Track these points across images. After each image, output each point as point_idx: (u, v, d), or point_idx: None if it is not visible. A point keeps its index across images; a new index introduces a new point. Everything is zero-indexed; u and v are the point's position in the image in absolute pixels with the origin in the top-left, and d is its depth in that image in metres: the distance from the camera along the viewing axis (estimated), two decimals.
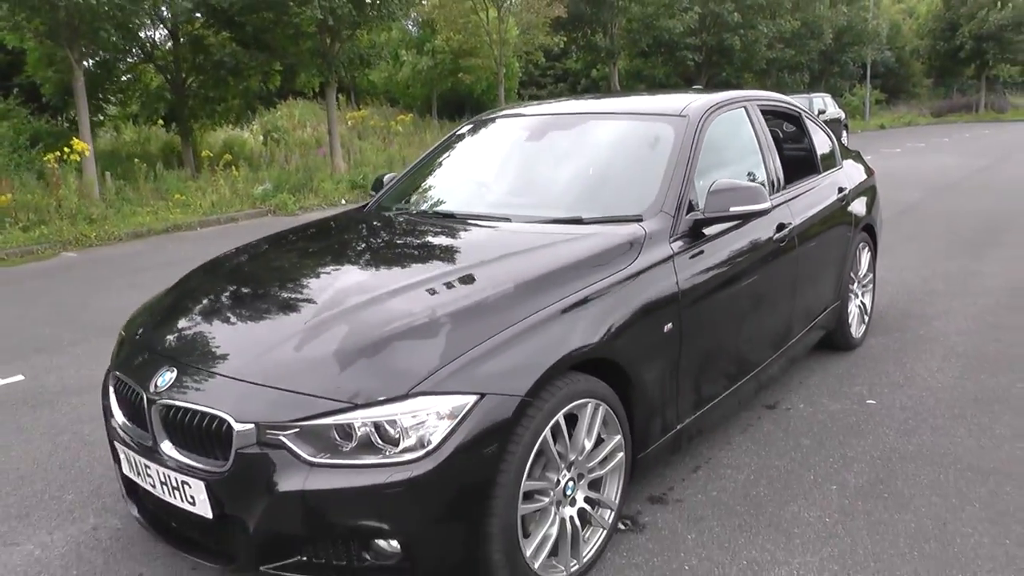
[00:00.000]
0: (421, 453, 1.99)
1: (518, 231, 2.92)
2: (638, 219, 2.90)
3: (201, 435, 2.17)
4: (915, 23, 44.22)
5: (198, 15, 14.20)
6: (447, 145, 4.03)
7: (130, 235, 10.27)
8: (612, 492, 2.55)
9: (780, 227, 3.51)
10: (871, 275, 4.80)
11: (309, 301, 2.45)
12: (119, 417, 2.52)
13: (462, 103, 31.01)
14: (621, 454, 2.54)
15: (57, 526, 3.01)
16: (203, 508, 2.17)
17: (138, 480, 2.42)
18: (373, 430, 2.01)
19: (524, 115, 3.89)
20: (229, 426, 2.08)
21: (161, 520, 2.51)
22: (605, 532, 2.53)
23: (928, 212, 9.67)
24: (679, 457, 3.24)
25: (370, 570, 2.08)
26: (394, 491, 1.96)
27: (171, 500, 2.27)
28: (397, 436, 2.00)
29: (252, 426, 2.06)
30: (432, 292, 2.37)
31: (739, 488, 3.04)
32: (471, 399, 2.04)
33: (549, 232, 2.85)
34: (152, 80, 17.29)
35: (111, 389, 2.58)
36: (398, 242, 3.12)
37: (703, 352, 2.95)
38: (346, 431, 2.03)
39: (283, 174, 13.88)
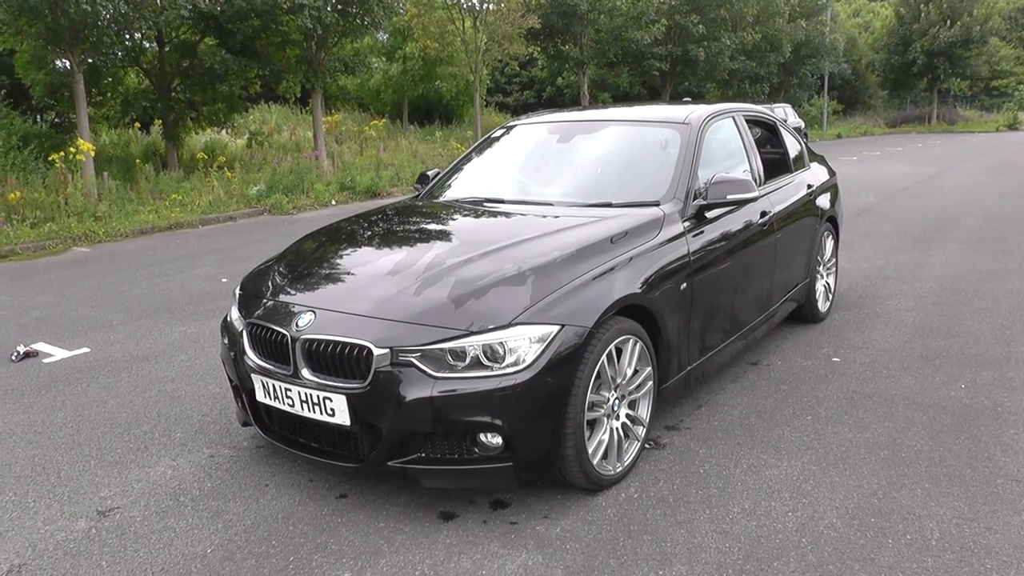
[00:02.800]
0: (521, 367, 2.70)
1: (564, 212, 3.65)
2: (656, 204, 3.65)
3: (340, 361, 2.84)
4: (870, 37, 46.09)
5: (188, 21, 14.66)
6: (482, 147, 4.75)
7: (135, 232, 10.76)
8: (644, 412, 3.28)
9: (763, 214, 4.29)
10: (834, 259, 5.64)
11: (413, 262, 3.15)
12: (253, 356, 3.17)
13: (431, 109, 31.72)
14: (650, 383, 3.28)
15: (178, 454, 3.64)
16: (342, 418, 2.84)
17: (274, 403, 3.07)
18: (481, 352, 2.71)
19: (551, 122, 4.62)
20: (369, 351, 2.76)
21: (286, 437, 3.18)
22: (639, 444, 3.26)
23: (882, 213, 10.63)
24: (685, 398, 4.00)
25: (477, 460, 2.78)
26: (502, 394, 2.67)
27: (309, 415, 2.93)
28: (503, 355, 2.70)
29: (388, 350, 2.74)
30: (513, 255, 3.09)
31: (735, 419, 3.81)
32: (555, 328, 2.77)
33: (589, 213, 3.59)
34: (134, 83, 17.68)
35: (245, 335, 3.23)
36: (466, 221, 3.84)
37: (707, 309, 3.71)
38: (459, 353, 2.72)
39: (275, 176, 14.41)
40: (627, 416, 3.18)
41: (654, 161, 3.98)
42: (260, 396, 3.14)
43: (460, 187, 4.38)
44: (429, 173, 4.76)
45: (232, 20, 14.84)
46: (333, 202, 14.13)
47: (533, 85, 43.69)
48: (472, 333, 2.72)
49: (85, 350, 5.35)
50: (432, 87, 29.50)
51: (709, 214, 3.79)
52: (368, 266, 3.28)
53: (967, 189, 13.22)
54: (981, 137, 32.46)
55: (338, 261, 3.44)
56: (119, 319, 6.13)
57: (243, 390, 3.28)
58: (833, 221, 5.53)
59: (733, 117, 4.53)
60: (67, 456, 3.67)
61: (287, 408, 3.02)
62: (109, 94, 17.08)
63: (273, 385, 3.04)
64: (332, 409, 2.85)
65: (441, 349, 2.72)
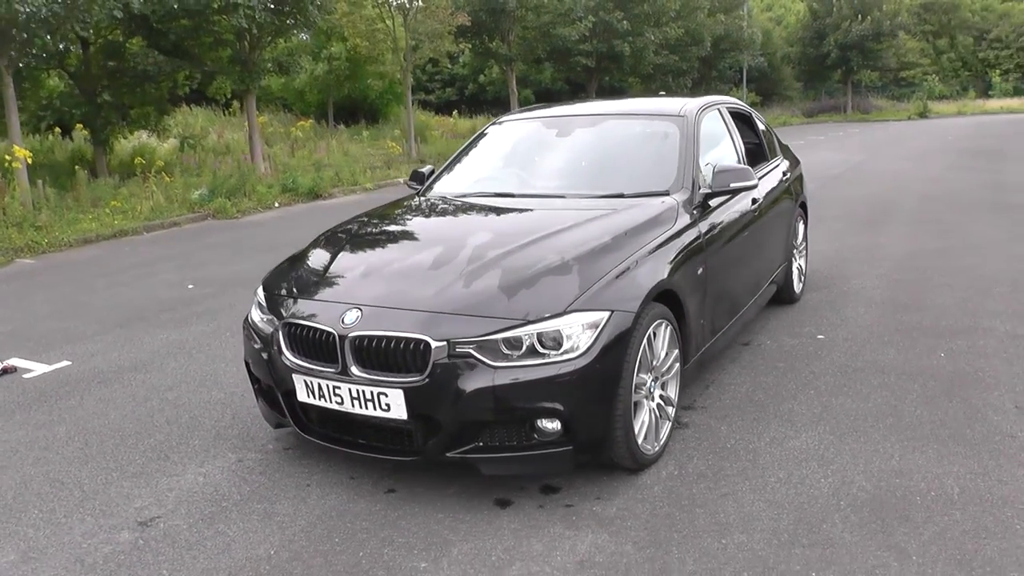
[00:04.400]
0: (578, 353, 2.80)
1: (577, 204, 3.77)
2: (665, 193, 3.80)
3: (394, 356, 2.87)
4: (784, 31, 47.83)
5: (119, 22, 14.12)
6: (476, 144, 4.82)
7: (79, 241, 10.33)
8: (673, 392, 3.43)
9: (754, 200, 4.50)
10: (805, 242, 5.94)
11: (453, 256, 3.21)
12: (291, 356, 3.16)
13: (356, 109, 31.39)
14: (678, 364, 3.44)
15: (204, 461, 3.60)
16: (398, 412, 2.88)
17: (319, 402, 3.08)
18: (536, 340, 2.80)
19: (544, 117, 4.74)
20: (427, 344, 2.81)
21: (329, 436, 3.20)
22: (670, 424, 3.41)
23: (823, 199, 11.10)
24: (695, 378, 4.17)
25: (535, 446, 2.87)
26: (563, 380, 2.77)
27: (361, 411, 2.96)
28: (560, 342, 2.80)
29: (444, 343, 2.80)
30: (551, 245, 3.19)
31: (744, 396, 4.00)
32: (605, 314, 2.88)
33: (604, 204, 3.71)
34: (56, 87, 16.91)
35: (281, 335, 3.21)
36: (489, 215, 3.91)
37: (716, 293, 3.89)
38: (514, 343, 2.81)
39: (216, 179, 14.06)
40: (660, 397, 3.33)
41: (657, 152, 4.13)
42: (302, 396, 3.14)
43: (465, 183, 4.44)
44: (424, 170, 4.79)
45: (162, 20, 14.38)
46: (276, 204, 13.88)
47: (455, 82, 43.68)
48: (529, 322, 2.81)
49: (66, 363, 5.17)
50: (359, 87, 29.21)
51: (712, 202, 3.97)
52: (405, 261, 3.32)
53: (896, 174, 13.96)
54: (896, 125, 34.06)
55: (370, 258, 3.47)
56: (92, 330, 5.93)
57: (279, 391, 3.27)
58: (804, 206, 5.83)
59: (718, 109, 4.74)
60: (84, 470, 3.58)
61: (334, 406, 3.03)
62: (28, 98, 16.25)
63: (318, 384, 3.05)
64: (387, 404, 2.89)
65: (497, 339, 2.80)
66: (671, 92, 34.43)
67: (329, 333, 3.01)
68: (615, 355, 2.90)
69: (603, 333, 2.86)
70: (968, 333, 4.81)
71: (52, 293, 7.35)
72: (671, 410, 3.41)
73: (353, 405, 2.98)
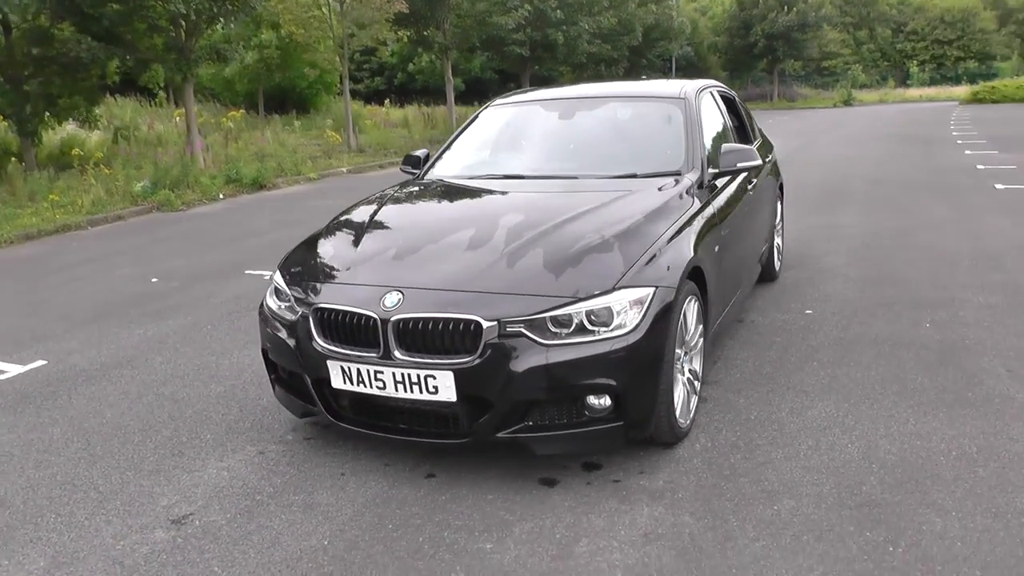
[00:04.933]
0: (627, 329, 2.83)
1: (598, 185, 3.79)
2: (678, 174, 3.87)
3: (441, 338, 2.84)
4: (710, 21, 49.04)
5: (44, 2, 13.40)
6: (470, 127, 4.79)
7: (21, 237, 9.81)
8: (698, 366, 3.51)
9: (749, 180, 4.62)
10: (782, 222, 6.12)
11: (488, 236, 3.19)
12: (323, 341, 3.09)
13: (285, 99, 30.66)
14: (702, 339, 3.51)
15: (223, 455, 3.49)
16: (447, 395, 2.85)
17: (356, 388, 3.02)
18: (585, 317, 2.82)
19: (543, 99, 4.76)
20: (478, 325, 2.79)
21: (364, 422, 3.15)
22: (696, 398, 3.49)
23: None
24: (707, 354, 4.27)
25: (587, 423, 2.89)
26: (616, 356, 2.80)
27: (406, 395, 2.92)
28: (608, 319, 2.82)
29: (495, 323, 2.79)
30: (587, 225, 3.21)
31: (752, 370, 4.12)
32: (651, 290, 2.92)
33: (619, 185, 3.75)
34: None
35: (312, 320, 3.13)
36: (513, 195, 3.89)
37: (728, 268, 3.99)
38: (562, 320, 2.82)
39: (158, 171, 13.55)
40: (689, 371, 3.39)
41: (663, 134, 4.20)
42: (337, 382, 3.07)
43: (467, 166, 4.41)
44: (418, 154, 4.74)
45: (93, 5, 13.72)
46: (221, 196, 13.48)
47: (384, 71, 43.25)
48: (579, 300, 2.82)
49: (41, 362, 4.93)
50: (290, 76, 28.53)
51: (718, 182, 4.06)
52: (439, 243, 3.28)
53: (837, 159, 14.47)
54: (823, 113, 35.20)
55: (399, 241, 3.40)
56: (61, 327, 5.66)
57: (310, 378, 3.19)
58: (781, 187, 6.01)
59: (711, 92, 4.84)
60: (95, 470, 3.43)
61: (375, 392, 2.99)
62: None
63: (357, 369, 2.99)
64: (435, 387, 2.86)
65: (545, 318, 2.81)
66: (603, 80, 34.83)
67: (369, 317, 2.95)
68: (660, 330, 2.94)
69: (651, 309, 2.90)
70: (946, 305, 5.06)
71: (4, 291, 6.97)
72: (697, 384, 3.49)
73: (397, 389, 2.93)
